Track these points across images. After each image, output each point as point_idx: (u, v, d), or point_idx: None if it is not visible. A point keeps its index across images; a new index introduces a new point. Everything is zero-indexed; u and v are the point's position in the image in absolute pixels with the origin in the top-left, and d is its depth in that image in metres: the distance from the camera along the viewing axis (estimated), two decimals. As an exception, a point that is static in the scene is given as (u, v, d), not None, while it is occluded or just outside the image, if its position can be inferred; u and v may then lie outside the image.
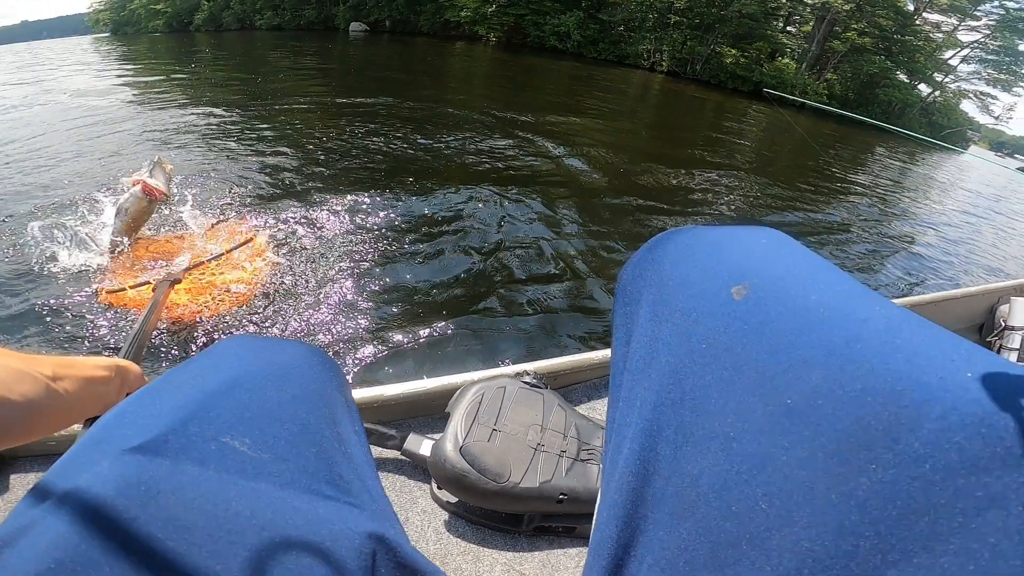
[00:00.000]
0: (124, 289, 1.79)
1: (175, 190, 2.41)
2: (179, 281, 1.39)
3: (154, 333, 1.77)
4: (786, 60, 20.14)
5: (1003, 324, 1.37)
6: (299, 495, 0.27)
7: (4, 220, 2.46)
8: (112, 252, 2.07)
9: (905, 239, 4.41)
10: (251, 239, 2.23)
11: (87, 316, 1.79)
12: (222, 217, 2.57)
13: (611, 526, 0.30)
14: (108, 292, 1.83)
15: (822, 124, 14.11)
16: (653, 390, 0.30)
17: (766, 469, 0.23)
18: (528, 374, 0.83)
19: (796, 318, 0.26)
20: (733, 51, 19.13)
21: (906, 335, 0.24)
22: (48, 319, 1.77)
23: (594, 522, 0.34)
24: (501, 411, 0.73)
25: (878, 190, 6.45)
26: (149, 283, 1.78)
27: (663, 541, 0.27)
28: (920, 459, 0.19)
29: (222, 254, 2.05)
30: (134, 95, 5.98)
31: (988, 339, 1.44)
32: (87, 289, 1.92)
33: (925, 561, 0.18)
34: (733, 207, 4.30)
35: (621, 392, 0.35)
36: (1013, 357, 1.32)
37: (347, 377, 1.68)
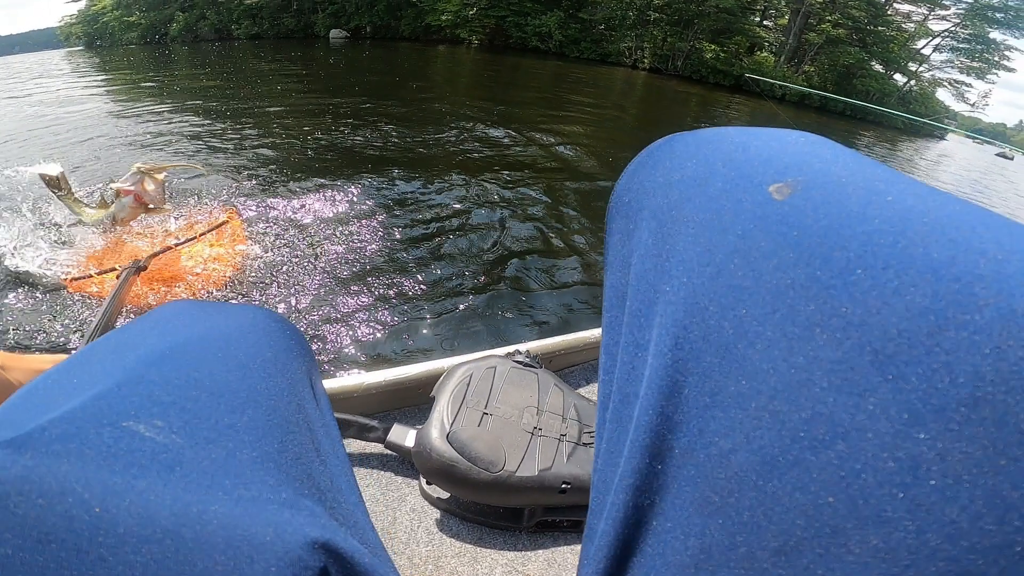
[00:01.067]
0: (90, 276, 1.75)
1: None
2: (144, 268, 1.32)
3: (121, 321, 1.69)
4: (764, 54, 20.44)
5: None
6: (224, 491, 0.21)
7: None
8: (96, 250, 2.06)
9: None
10: (226, 221, 2.17)
11: (53, 309, 1.73)
12: (199, 206, 2.52)
13: (611, 520, 0.22)
14: (73, 280, 1.78)
15: (804, 115, 14.32)
16: (666, 329, 0.22)
17: (836, 445, 0.16)
18: (520, 353, 0.76)
19: (870, 223, 0.18)
20: (713, 46, 19.36)
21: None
22: (12, 314, 1.70)
23: (588, 513, 0.26)
24: (492, 393, 0.66)
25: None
26: (115, 270, 1.73)
27: (680, 542, 0.19)
28: None
29: (194, 239, 2.00)
30: (109, 103, 5.82)
31: None
32: (52, 282, 1.87)
33: None
34: None
35: (621, 337, 0.26)
36: None
37: (321, 362, 1.60)
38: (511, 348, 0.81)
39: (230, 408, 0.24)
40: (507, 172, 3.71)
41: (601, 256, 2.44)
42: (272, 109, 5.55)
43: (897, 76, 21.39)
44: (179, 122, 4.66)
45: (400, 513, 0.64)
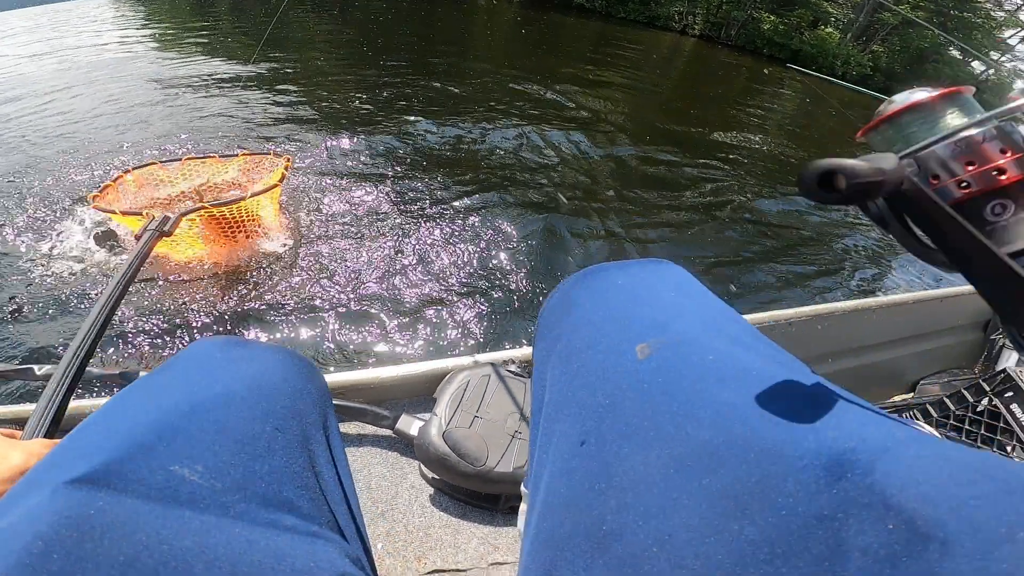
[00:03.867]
0: (114, 212, 1.66)
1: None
2: (168, 234, 1.19)
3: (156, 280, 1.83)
4: (829, 29, 18.85)
5: (1008, 323, 1.36)
6: (258, 527, 0.26)
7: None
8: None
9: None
10: (276, 185, 1.93)
11: (72, 273, 1.85)
12: (245, 150, 2.35)
13: (534, 563, 0.31)
14: (98, 208, 1.71)
15: (863, 97, 13.36)
16: (565, 436, 0.32)
17: (658, 517, 0.25)
18: (514, 362, 0.88)
19: (693, 380, 0.29)
20: (772, 17, 17.96)
21: (784, 395, 0.27)
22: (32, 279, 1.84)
23: (520, 557, 0.35)
24: (484, 399, 0.78)
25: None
26: (141, 216, 1.62)
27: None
28: (785, 510, 0.22)
29: (237, 200, 1.80)
30: (152, 56, 5.89)
31: (992, 336, 1.42)
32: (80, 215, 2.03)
33: None
34: (759, 169, 4.38)
35: (539, 430, 0.36)
36: (1014, 357, 1.30)
37: (346, 352, 1.75)
38: (507, 355, 0.93)
39: (255, 455, 0.29)
40: (552, 132, 3.84)
41: (624, 239, 2.60)
42: (311, 63, 5.56)
43: (975, 64, 19.57)
44: (220, 74, 4.73)
45: (401, 488, 0.79)
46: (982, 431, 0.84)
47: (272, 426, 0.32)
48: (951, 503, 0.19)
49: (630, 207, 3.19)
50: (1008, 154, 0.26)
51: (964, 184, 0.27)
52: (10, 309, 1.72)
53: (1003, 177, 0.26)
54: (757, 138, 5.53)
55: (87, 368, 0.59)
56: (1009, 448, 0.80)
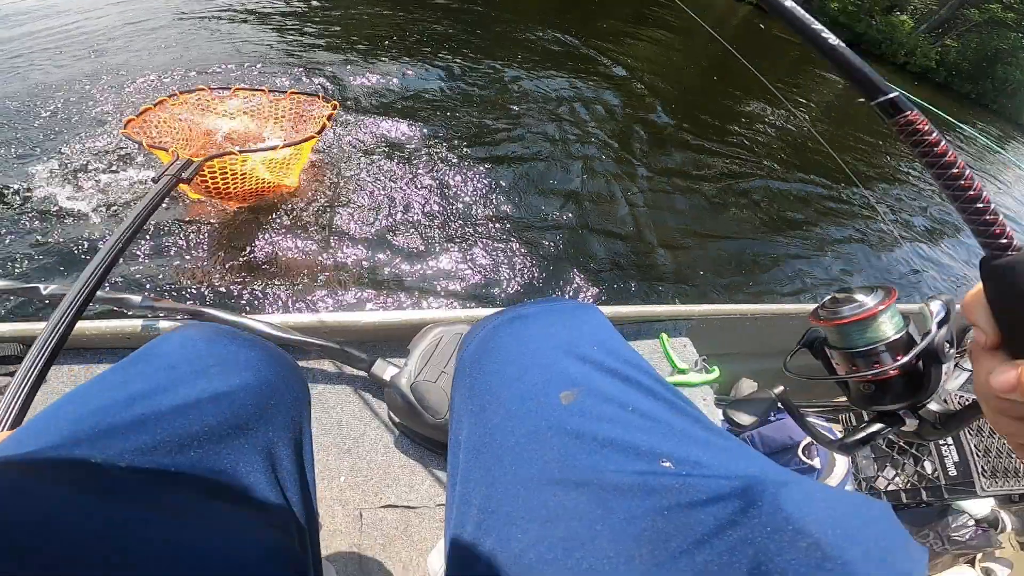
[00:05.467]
0: (140, 143, 1.63)
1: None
2: (187, 181, 1.18)
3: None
4: (904, 16, 17.39)
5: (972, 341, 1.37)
6: (188, 517, 0.27)
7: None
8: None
9: (934, 237, 4.13)
10: (312, 138, 1.82)
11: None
12: (295, 90, 2.19)
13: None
14: (126, 135, 1.65)
15: (918, 90, 12.58)
16: (489, 471, 0.33)
17: (580, 550, 0.26)
18: (489, 326, 0.90)
19: (613, 427, 0.31)
20: (844, -6, 16.60)
21: (690, 440, 0.30)
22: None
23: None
24: (453, 357, 0.82)
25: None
26: (166, 151, 1.57)
27: None
28: (708, 536, 0.24)
29: (272, 148, 1.73)
30: None
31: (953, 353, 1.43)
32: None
33: None
34: (782, 152, 4.29)
35: (459, 470, 0.36)
36: (953, 382, 1.31)
37: (314, 320, 1.73)
38: (485, 314, 0.95)
39: (202, 452, 0.30)
40: (584, 88, 3.76)
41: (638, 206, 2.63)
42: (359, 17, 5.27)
43: (1051, 72, 18.12)
44: (245, 7, 4.51)
45: (369, 428, 0.84)
46: (901, 442, 0.88)
47: (230, 426, 0.33)
48: (844, 530, 0.23)
49: (650, 175, 3.14)
50: (876, 366, 0.39)
51: (847, 372, 0.42)
52: (25, 232, 1.71)
53: (869, 375, 0.40)
54: (789, 120, 5.28)
55: (96, 293, 0.60)
56: (924, 458, 0.84)
